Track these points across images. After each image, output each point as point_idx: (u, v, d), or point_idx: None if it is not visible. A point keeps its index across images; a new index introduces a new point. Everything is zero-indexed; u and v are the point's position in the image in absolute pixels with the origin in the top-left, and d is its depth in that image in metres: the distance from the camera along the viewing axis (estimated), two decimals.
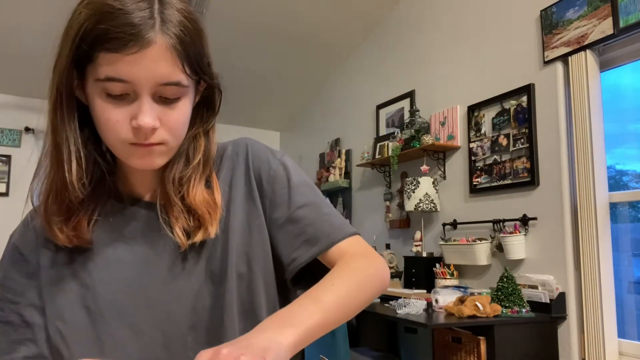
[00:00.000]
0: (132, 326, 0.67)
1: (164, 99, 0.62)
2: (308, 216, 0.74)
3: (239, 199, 0.74)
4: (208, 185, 0.72)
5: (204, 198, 0.70)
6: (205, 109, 0.73)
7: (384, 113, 3.65)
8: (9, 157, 4.22)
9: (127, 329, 0.66)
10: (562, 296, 2.20)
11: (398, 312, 2.26)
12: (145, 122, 0.60)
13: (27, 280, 0.70)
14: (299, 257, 0.71)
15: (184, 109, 0.64)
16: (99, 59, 0.58)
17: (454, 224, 2.88)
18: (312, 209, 0.74)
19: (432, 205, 2.92)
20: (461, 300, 2.19)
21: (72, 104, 0.64)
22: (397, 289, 2.86)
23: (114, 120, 0.61)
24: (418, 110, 3.18)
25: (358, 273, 0.66)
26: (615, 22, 2.09)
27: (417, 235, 3.02)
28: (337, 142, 4.25)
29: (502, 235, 2.48)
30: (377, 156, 3.51)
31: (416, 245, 2.99)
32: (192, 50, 0.62)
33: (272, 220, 0.74)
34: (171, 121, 0.63)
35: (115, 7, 0.57)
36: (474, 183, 2.76)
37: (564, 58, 2.32)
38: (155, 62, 0.59)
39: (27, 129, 4.29)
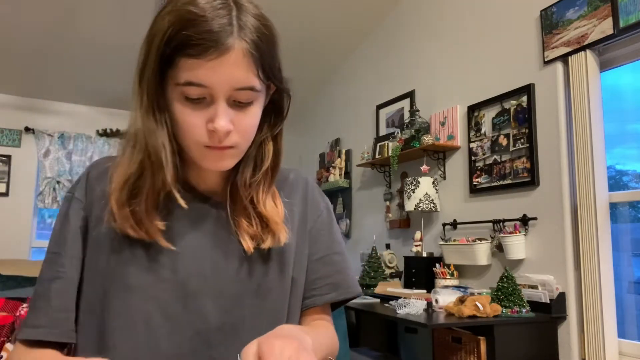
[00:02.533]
0: (165, 312, 0.68)
1: (238, 103, 0.64)
2: (339, 263, 0.83)
3: (295, 226, 0.79)
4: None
5: (272, 206, 0.75)
6: (274, 114, 0.75)
7: (384, 113, 3.65)
8: (9, 157, 4.22)
9: (159, 312, 0.68)
10: (562, 296, 2.20)
11: (398, 312, 2.26)
12: (221, 125, 0.63)
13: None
14: (318, 295, 0.80)
15: (255, 112, 0.67)
16: (179, 64, 0.61)
17: (454, 224, 2.88)
18: (343, 258, 0.84)
19: (432, 205, 2.92)
20: (461, 300, 2.19)
21: (164, 108, 0.66)
22: (397, 289, 2.86)
23: (191, 124, 0.64)
24: (418, 110, 3.18)
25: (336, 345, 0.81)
26: (615, 22, 2.09)
27: (417, 235, 3.02)
28: (337, 142, 4.25)
29: (502, 235, 2.48)
30: (377, 156, 3.51)
31: (416, 245, 2.99)
32: (266, 56, 0.64)
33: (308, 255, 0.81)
34: (243, 125, 0.66)
35: (197, 15, 0.60)
36: (474, 183, 2.76)
37: (564, 58, 2.32)
38: (233, 67, 0.61)
39: (27, 129, 4.29)
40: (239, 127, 0.65)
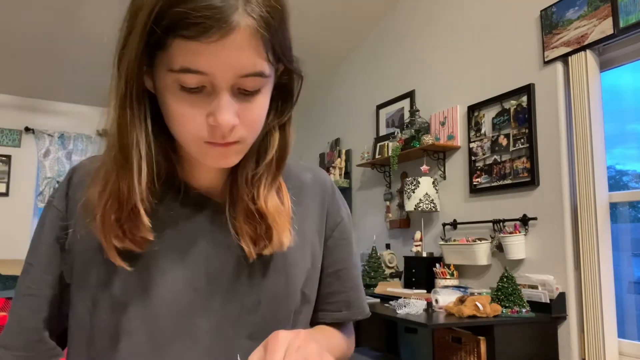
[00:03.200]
0: (153, 330, 0.61)
1: (244, 91, 0.54)
2: (355, 279, 0.76)
3: (309, 236, 0.70)
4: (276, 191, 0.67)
5: (276, 204, 0.64)
6: (281, 99, 0.63)
7: (384, 113, 3.65)
8: (9, 157, 4.23)
9: (146, 331, 0.61)
10: (562, 296, 2.20)
11: (398, 312, 2.26)
12: (225, 120, 0.52)
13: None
14: (329, 311, 0.74)
15: (263, 101, 0.57)
16: (173, 46, 0.50)
17: (454, 224, 2.88)
18: (358, 273, 0.78)
19: (432, 205, 2.92)
20: (461, 300, 2.19)
21: (143, 100, 0.56)
22: (397, 289, 2.86)
23: (188, 117, 0.53)
24: (418, 110, 3.18)
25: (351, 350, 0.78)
26: (615, 22, 2.09)
27: (417, 235, 3.02)
28: (337, 142, 4.25)
29: (502, 235, 2.48)
30: (377, 156, 3.51)
31: (416, 245, 2.99)
32: (277, 34, 0.53)
33: (322, 266, 0.74)
34: (250, 117, 0.55)
35: None
36: (474, 183, 2.76)
37: (564, 58, 2.32)
38: (238, 50, 0.50)
39: (27, 129, 4.29)
40: (245, 119, 0.55)
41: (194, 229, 0.64)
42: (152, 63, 0.54)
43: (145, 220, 0.58)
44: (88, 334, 0.64)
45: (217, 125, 0.53)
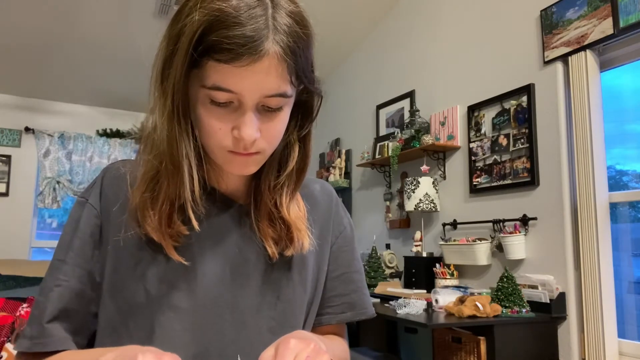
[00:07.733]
0: (182, 321, 0.66)
1: (267, 108, 0.60)
2: (357, 282, 0.82)
3: (314, 241, 0.75)
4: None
5: (296, 211, 0.71)
6: (301, 114, 0.69)
7: (384, 113, 3.65)
8: (9, 157, 4.23)
9: (177, 321, 0.65)
10: (562, 296, 2.20)
11: (398, 312, 2.26)
12: (248, 134, 0.59)
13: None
14: (333, 314, 0.79)
15: (283, 117, 0.63)
16: (207, 66, 0.56)
17: (454, 224, 2.88)
18: (361, 277, 0.83)
19: (432, 205, 2.92)
20: (461, 300, 2.19)
21: (188, 116, 0.61)
22: (397, 289, 2.86)
23: (216, 128, 0.60)
24: (418, 110, 3.18)
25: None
26: (615, 22, 2.09)
27: (417, 235, 3.02)
28: (337, 142, 4.25)
29: (502, 235, 2.48)
30: (377, 156, 3.51)
31: (416, 245, 2.99)
32: (300, 59, 0.59)
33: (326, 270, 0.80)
34: (271, 131, 0.62)
35: (230, 15, 0.54)
36: (474, 183, 2.76)
37: (564, 58, 2.32)
38: (265, 74, 0.56)
39: (27, 129, 4.29)
40: (266, 133, 0.61)
41: (223, 225, 0.70)
42: (187, 79, 0.59)
43: (195, 223, 0.64)
44: (118, 334, 0.65)
45: (241, 138, 0.59)
